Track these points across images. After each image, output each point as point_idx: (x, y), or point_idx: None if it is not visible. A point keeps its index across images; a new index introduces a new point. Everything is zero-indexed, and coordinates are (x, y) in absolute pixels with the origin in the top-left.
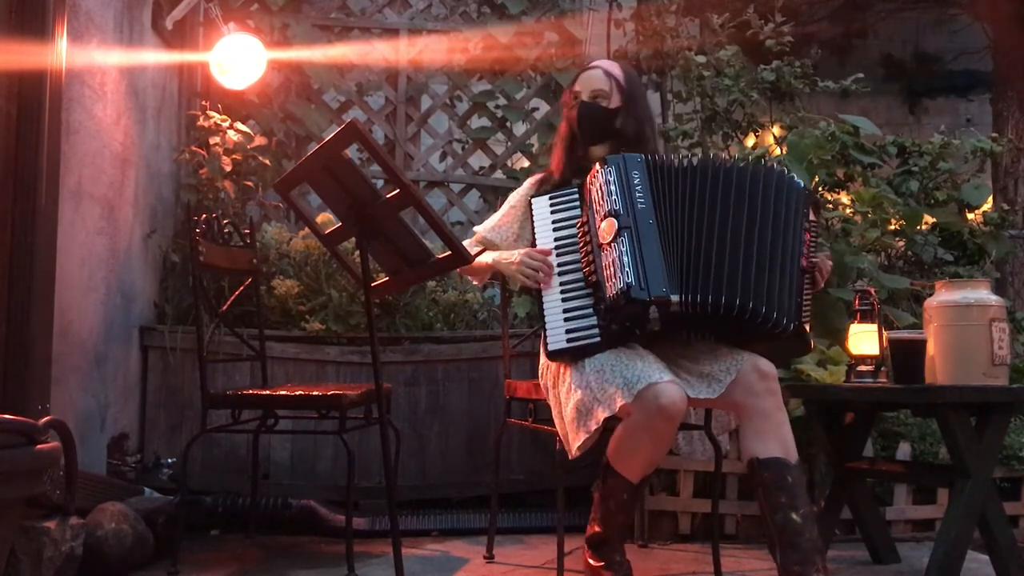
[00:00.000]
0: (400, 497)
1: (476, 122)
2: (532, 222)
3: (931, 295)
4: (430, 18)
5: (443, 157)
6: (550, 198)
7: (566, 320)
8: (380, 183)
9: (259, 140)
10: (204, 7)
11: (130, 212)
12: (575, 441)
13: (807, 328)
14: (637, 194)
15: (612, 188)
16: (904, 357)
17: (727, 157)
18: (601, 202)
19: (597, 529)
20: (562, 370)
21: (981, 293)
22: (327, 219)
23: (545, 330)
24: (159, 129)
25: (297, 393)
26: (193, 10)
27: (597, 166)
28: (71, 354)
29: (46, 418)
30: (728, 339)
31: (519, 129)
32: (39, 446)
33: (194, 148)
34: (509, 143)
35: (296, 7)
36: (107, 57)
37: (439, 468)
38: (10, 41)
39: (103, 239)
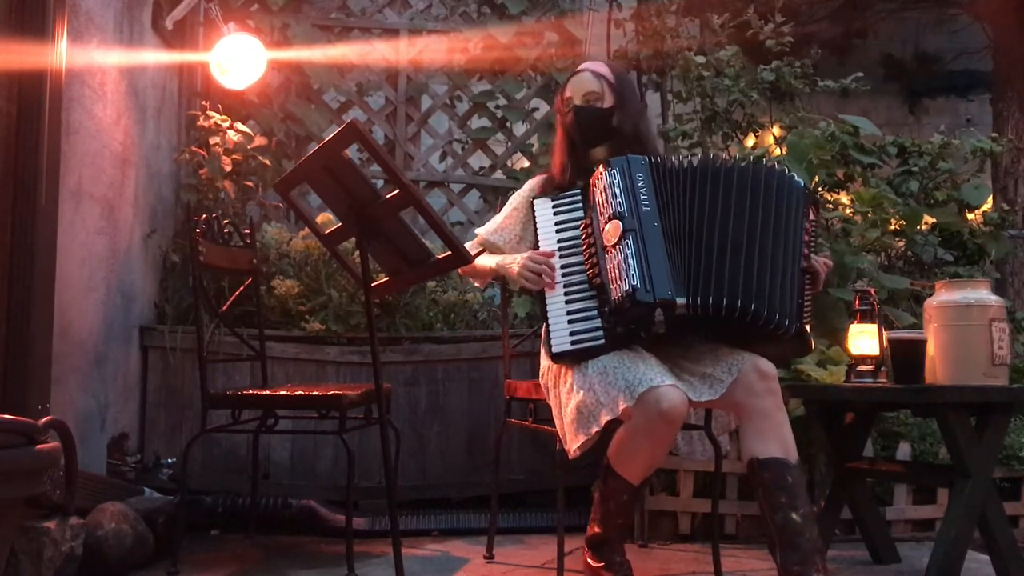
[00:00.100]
0: (400, 497)
1: (476, 122)
2: (535, 224)
3: (931, 295)
4: (430, 18)
5: (443, 157)
6: (553, 200)
7: (570, 322)
8: (380, 183)
9: (259, 140)
10: (204, 7)
11: (130, 212)
12: (575, 442)
13: (808, 329)
14: (641, 196)
15: (616, 190)
16: (904, 357)
17: (728, 157)
18: (605, 204)
19: (597, 530)
20: (563, 370)
21: (981, 293)
22: (327, 219)
23: (548, 332)
24: (159, 129)
25: (297, 393)
26: (193, 10)
27: (600, 168)
28: (71, 354)
29: (46, 418)
30: (729, 340)
31: (519, 129)
32: (39, 446)
33: (194, 148)
34: (509, 143)
35: (296, 7)
36: (107, 57)
37: (439, 468)
38: (10, 41)
39: (103, 239)
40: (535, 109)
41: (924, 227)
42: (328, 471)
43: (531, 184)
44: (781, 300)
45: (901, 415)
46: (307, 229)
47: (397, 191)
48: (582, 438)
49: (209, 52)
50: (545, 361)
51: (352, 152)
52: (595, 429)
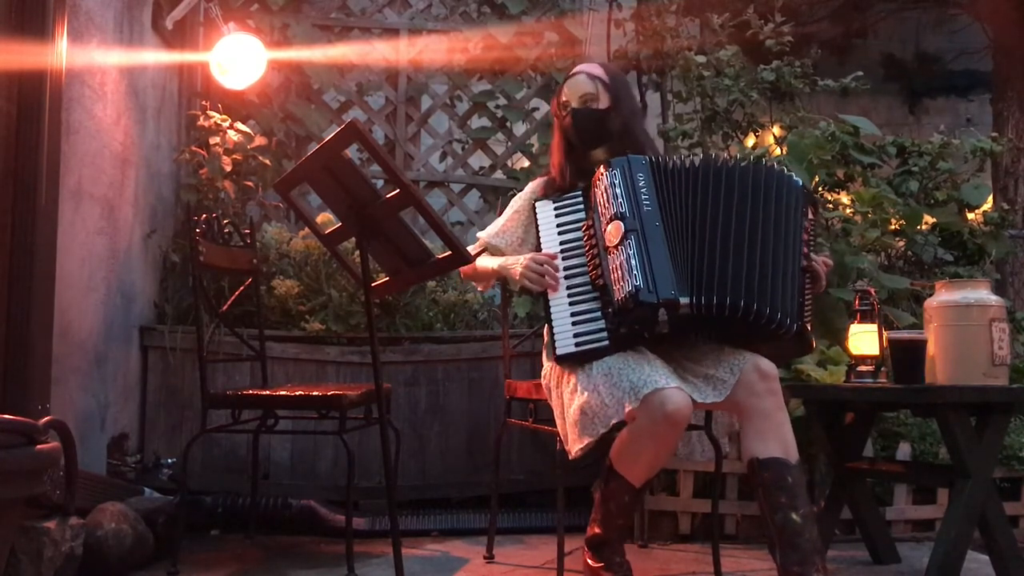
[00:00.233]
0: (400, 497)
1: (476, 122)
2: (537, 226)
3: (931, 295)
4: (430, 18)
5: (443, 157)
6: (554, 202)
7: (574, 324)
8: (380, 183)
9: (259, 140)
10: (204, 7)
11: (130, 212)
12: (577, 444)
13: (808, 328)
14: (643, 196)
15: (617, 191)
16: (904, 357)
17: (728, 157)
18: (606, 205)
19: (597, 530)
20: (566, 371)
21: (981, 293)
22: (327, 219)
23: (552, 333)
24: (159, 129)
25: (297, 393)
26: (193, 10)
27: (601, 169)
28: (71, 354)
29: (46, 418)
30: (731, 340)
31: (519, 129)
32: (39, 446)
33: (194, 148)
34: (509, 143)
35: (296, 7)
36: (107, 57)
37: (439, 468)
38: (10, 41)
39: (103, 239)
40: (535, 109)
41: (924, 227)
42: (328, 471)
43: (532, 186)
44: (783, 299)
45: (901, 415)
46: (307, 229)
47: (397, 191)
48: (586, 440)
49: (209, 52)
50: (547, 363)
51: (352, 152)
52: (601, 431)
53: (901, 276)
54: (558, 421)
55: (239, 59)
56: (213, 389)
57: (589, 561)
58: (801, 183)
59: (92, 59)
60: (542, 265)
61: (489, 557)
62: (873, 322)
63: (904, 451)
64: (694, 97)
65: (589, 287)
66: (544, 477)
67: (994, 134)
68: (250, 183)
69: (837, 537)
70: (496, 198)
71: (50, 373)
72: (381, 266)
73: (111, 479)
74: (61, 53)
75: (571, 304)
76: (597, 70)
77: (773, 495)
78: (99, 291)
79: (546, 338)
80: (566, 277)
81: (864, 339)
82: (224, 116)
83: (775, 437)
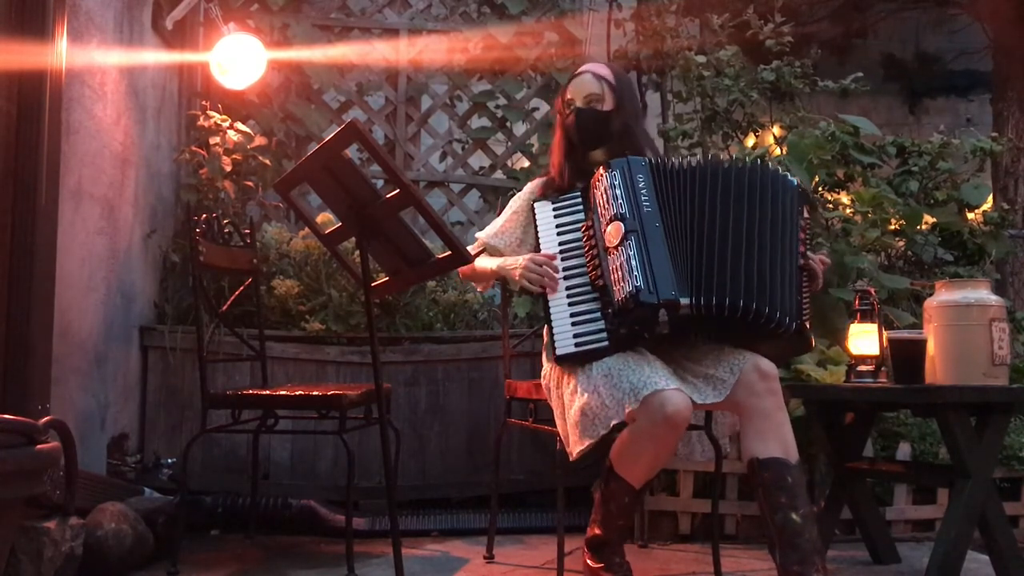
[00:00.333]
0: (400, 497)
1: (476, 122)
2: (536, 227)
3: (931, 295)
4: (430, 18)
5: (443, 157)
6: (553, 202)
7: (573, 324)
8: (380, 183)
9: (259, 140)
10: (204, 7)
11: (130, 212)
12: (578, 445)
13: (807, 326)
14: (643, 197)
15: (617, 192)
16: (904, 357)
17: (726, 158)
18: (606, 206)
19: (597, 531)
20: (566, 372)
21: (981, 293)
22: (327, 219)
23: (552, 334)
24: (159, 129)
25: (297, 393)
26: (193, 10)
27: (601, 170)
28: (71, 354)
29: (46, 418)
30: (730, 340)
31: (519, 129)
32: (39, 446)
33: (194, 148)
34: (509, 143)
35: (296, 7)
36: (107, 57)
37: (439, 468)
38: (10, 41)
39: (103, 239)
40: (535, 109)
41: (924, 227)
42: (328, 471)
43: (531, 187)
44: (782, 298)
45: (901, 415)
46: (307, 229)
47: (397, 191)
48: (587, 442)
49: (209, 52)
50: (547, 364)
51: (352, 152)
52: (602, 432)
53: (901, 276)
54: (558, 422)
55: (239, 59)
56: (213, 389)
57: (589, 562)
58: (796, 183)
59: (92, 59)
60: (541, 266)
61: (489, 557)
62: (873, 322)
63: (904, 451)
64: (694, 97)
65: (588, 287)
66: (544, 477)
67: (994, 134)
68: (250, 183)
69: (837, 537)
70: (496, 198)
71: (50, 373)
72: (381, 266)
73: (111, 479)
74: (61, 53)
75: (570, 304)
76: (604, 71)
77: (773, 495)
78: (99, 291)
79: (546, 339)
80: (565, 277)
81: (864, 339)
82: (224, 116)
83: (775, 437)
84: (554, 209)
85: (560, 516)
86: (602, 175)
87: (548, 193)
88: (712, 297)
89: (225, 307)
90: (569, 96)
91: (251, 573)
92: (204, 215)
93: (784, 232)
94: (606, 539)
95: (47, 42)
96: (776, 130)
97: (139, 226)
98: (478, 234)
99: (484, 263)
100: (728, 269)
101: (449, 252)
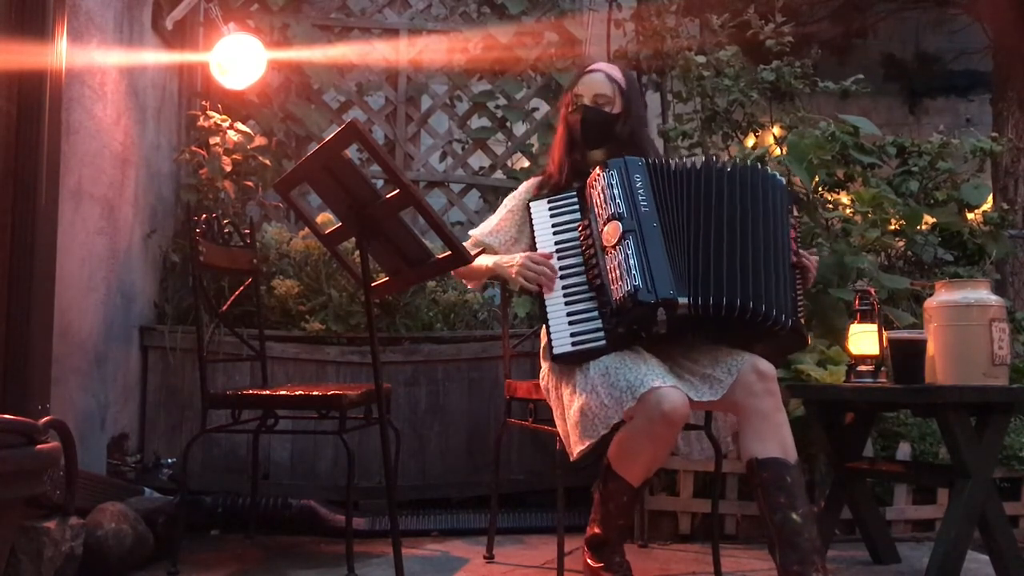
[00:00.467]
0: (400, 497)
1: (476, 122)
2: (531, 226)
3: (931, 295)
4: (430, 18)
5: (443, 157)
6: (549, 202)
7: (570, 323)
8: (380, 183)
9: (259, 140)
10: (204, 7)
11: (130, 212)
12: (578, 445)
13: (802, 322)
14: (640, 197)
15: (615, 191)
16: (904, 357)
17: (719, 158)
18: (604, 205)
19: (597, 530)
20: (564, 373)
21: (981, 293)
22: (327, 219)
23: (549, 333)
24: (159, 129)
25: (297, 393)
26: (193, 10)
27: (598, 170)
28: (71, 354)
29: (46, 418)
30: (727, 339)
31: (519, 129)
32: (39, 446)
33: (194, 148)
34: (509, 143)
35: (296, 7)
36: (107, 57)
37: (439, 468)
38: (10, 41)
39: (103, 239)
40: (535, 109)
41: (924, 227)
42: (328, 471)
43: (526, 186)
44: (776, 296)
45: (901, 415)
46: (307, 229)
47: (397, 191)
48: (588, 442)
49: (209, 52)
50: (545, 365)
51: (352, 152)
52: (602, 431)
53: (901, 276)
54: (558, 423)
55: (239, 59)
56: (213, 389)
57: (589, 561)
58: (784, 181)
59: (92, 59)
60: (538, 264)
61: (489, 557)
62: (873, 322)
63: (904, 451)
64: (694, 97)
65: (585, 287)
66: (544, 477)
67: (994, 134)
68: (250, 183)
69: (837, 537)
70: (496, 198)
71: (50, 373)
72: (381, 266)
73: (111, 479)
74: (61, 53)
75: (567, 304)
76: (616, 73)
77: (772, 495)
78: (99, 291)
79: (543, 340)
80: (561, 277)
81: (864, 339)
82: (224, 116)
83: (774, 437)
84: (550, 208)
85: (560, 516)
86: (599, 175)
87: (543, 192)
88: (710, 297)
89: (225, 307)
90: (579, 91)
91: (251, 573)
92: (204, 215)
93: (776, 230)
94: (606, 538)
95: (47, 42)
96: (776, 130)
97: (139, 226)
98: (472, 232)
99: (478, 261)
100: (724, 268)
101: (449, 252)
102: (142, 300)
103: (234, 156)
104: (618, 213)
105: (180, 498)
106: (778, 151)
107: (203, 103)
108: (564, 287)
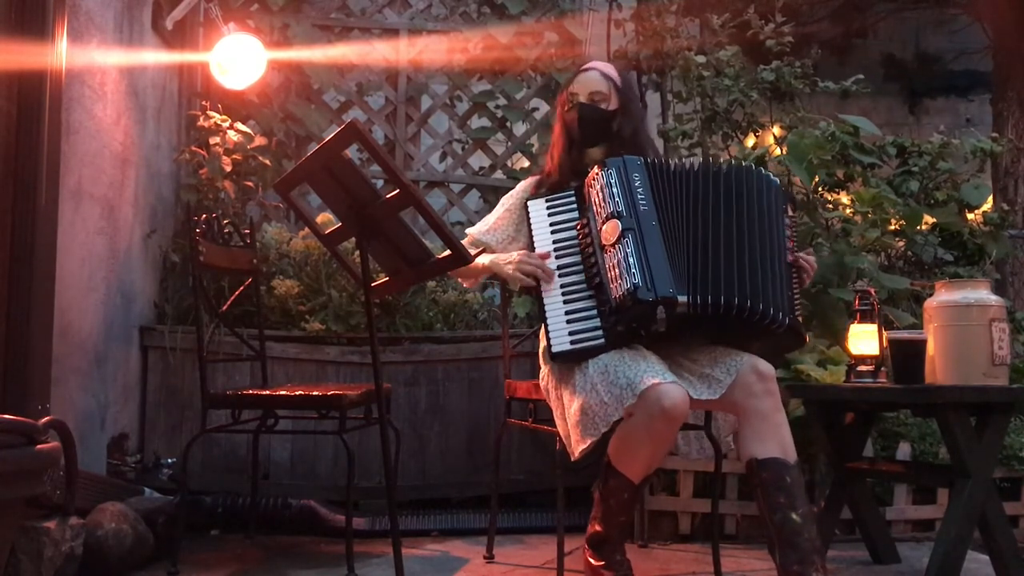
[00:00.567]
0: (400, 497)
1: (476, 122)
2: (529, 225)
3: (931, 295)
4: (430, 18)
5: (443, 157)
6: (547, 201)
7: (569, 322)
8: (380, 183)
9: (259, 140)
10: (204, 7)
11: (130, 212)
12: (580, 444)
13: (800, 320)
14: (639, 196)
15: (613, 190)
16: (904, 357)
17: (725, 158)
18: (602, 204)
19: (598, 528)
20: (564, 373)
21: (981, 293)
22: (327, 219)
23: (548, 332)
24: (159, 129)
25: (297, 393)
26: (193, 10)
27: (596, 168)
28: (71, 354)
29: (46, 418)
30: (725, 339)
31: (519, 129)
32: (39, 446)
33: (194, 148)
34: (509, 143)
35: (296, 7)
36: (107, 57)
37: (439, 468)
38: (10, 41)
39: (103, 239)
40: (535, 109)
41: (924, 227)
42: (328, 471)
43: (524, 185)
44: (774, 295)
45: (901, 415)
46: (307, 229)
47: (397, 191)
48: (589, 441)
49: (209, 52)
50: (544, 366)
51: (352, 152)
52: (603, 429)
53: (901, 276)
54: (558, 423)
55: (239, 59)
56: (213, 389)
57: (590, 559)
58: (778, 181)
59: (92, 59)
60: (535, 262)
61: (489, 557)
62: (873, 322)
63: (904, 451)
64: (694, 97)
65: (584, 285)
66: (544, 477)
67: (994, 134)
68: (250, 183)
69: (837, 537)
70: (496, 198)
71: (50, 373)
72: (381, 266)
73: (111, 479)
74: (61, 53)
75: (566, 302)
76: (611, 71)
77: (772, 495)
78: (99, 291)
79: (542, 341)
80: (560, 275)
81: (864, 339)
82: (224, 116)
83: (773, 437)
84: (548, 207)
85: (560, 516)
86: (598, 173)
87: (541, 191)
88: (708, 296)
89: (225, 307)
90: (574, 90)
91: (251, 573)
92: (204, 215)
93: (772, 230)
94: (607, 536)
95: (47, 42)
96: (776, 130)
97: (139, 226)
98: (469, 230)
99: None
100: (722, 267)
101: (449, 252)
102: (142, 300)
103: (234, 156)
104: (617, 212)
105: (180, 498)
106: (778, 151)
107: (203, 103)
108: (562, 286)
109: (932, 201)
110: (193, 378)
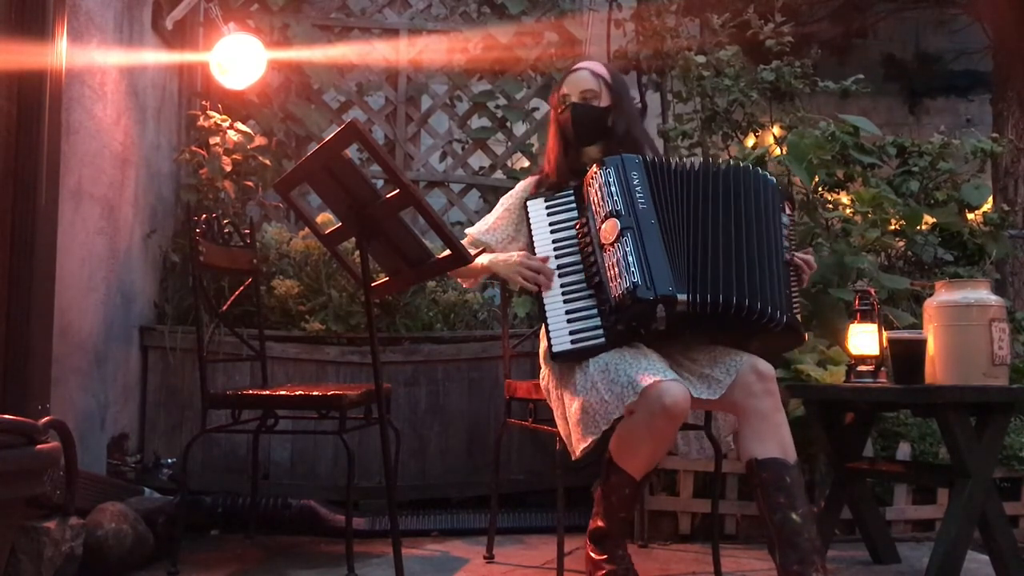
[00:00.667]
0: (400, 497)
1: (476, 122)
2: (528, 224)
3: (931, 295)
4: (430, 18)
5: (443, 157)
6: (546, 200)
7: (569, 322)
8: (380, 183)
9: (259, 140)
10: (204, 7)
11: (130, 212)
12: (581, 443)
13: (798, 318)
14: (637, 194)
15: (612, 189)
16: (904, 357)
17: (725, 158)
18: (601, 203)
19: (600, 523)
20: (564, 372)
21: (981, 293)
22: (327, 219)
23: (548, 332)
24: (159, 129)
25: (297, 393)
26: (193, 10)
27: (595, 168)
28: (71, 354)
29: (46, 418)
30: (724, 338)
31: (519, 129)
32: (39, 446)
33: (194, 148)
34: (509, 143)
35: (296, 7)
36: (107, 57)
37: (439, 468)
38: (10, 41)
39: (103, 239)
40: (535, 109)
41: (924, 227)
42: (328, 471)
43: (523, 185)
44: (772, 294)
45: (901, 415)
46: (307, 229)
47: (397, 191)
48: (590, 439)
49: (209, 52)
50: (545, 366)
51: (352, 152)
52: (604, 427)
53: (901, 276)
54: (559, 423)
55: (239, 59)
56: (213, 389)
57: (592, 554)
58: (775, 181)
59: (92, 59)
60: (535, 263)
61: (489, 557)
62: (873, 322)
63: (904, 451)
64: (694, 97)
65: (583, 285)
66: (544, 477)
67: (994, 134)
68: (250, 183)
69: (837, 537)
70: (496, 198)
71: (50, 373)
72: (381, 266)
73: (111, 479)
74: (61, 53)
75: (566, 302)
76: (600, 68)
77: (772, 495)
78: (99, 291)
79: (543, 342)
80: (560, 275)
81: (864, 339)
82: (224, 116)
83: (773, 438)
84: (547, 207)
85: (560, 516)
86: (596, 172)
87: (541, 191)
88: (707, 295)
89: (225, 307)
90: (564, 91)
91: (251, 573)
92: (204, 215)
93: (769, 229)
94: (608, 531)
95: (47, 42)
96: (776, 130)
97: (139, 226)
98: (468, 230)
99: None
100: (721, 266)
101: (449, 252)
102: (142, 300)
103: (234, 156)
104: (616, 210)
105: (180, 498)
106: (778, 151)
107: (203, 103)
108: (562, 285)
109: (932, 201)
110: (193, 378)
